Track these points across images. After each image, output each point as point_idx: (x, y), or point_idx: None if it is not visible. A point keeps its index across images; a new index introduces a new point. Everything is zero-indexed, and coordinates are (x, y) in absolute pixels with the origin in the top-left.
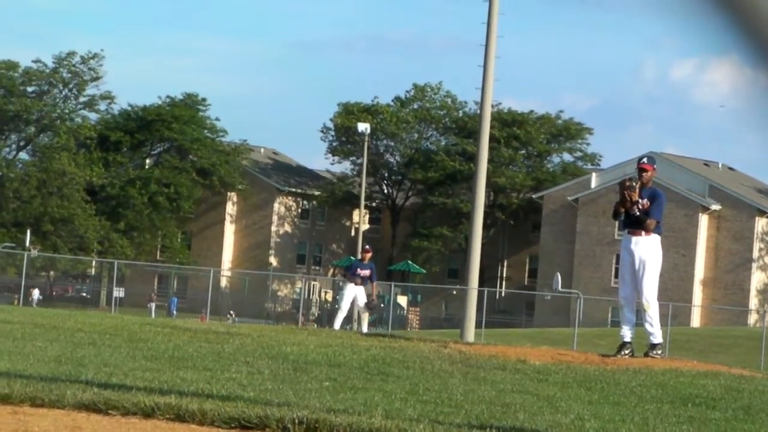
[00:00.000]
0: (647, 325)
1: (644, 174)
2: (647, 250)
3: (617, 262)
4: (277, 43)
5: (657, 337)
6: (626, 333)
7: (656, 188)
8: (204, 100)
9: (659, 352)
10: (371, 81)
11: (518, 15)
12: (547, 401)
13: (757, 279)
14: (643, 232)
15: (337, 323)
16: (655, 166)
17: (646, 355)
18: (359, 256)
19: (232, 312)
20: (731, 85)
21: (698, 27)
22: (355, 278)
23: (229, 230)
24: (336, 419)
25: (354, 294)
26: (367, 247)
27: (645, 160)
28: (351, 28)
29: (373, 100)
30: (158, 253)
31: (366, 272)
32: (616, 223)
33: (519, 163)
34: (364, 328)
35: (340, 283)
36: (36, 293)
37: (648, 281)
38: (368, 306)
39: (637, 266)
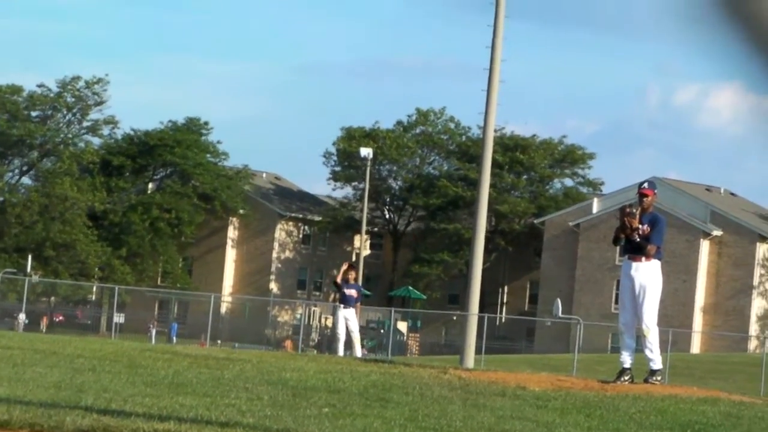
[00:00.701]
0: (647, 351)
1: (645, 199)
2: (647, 275)
3: (618, 288)
4: (280, 67)
5: (657, 363)
6: (626, 359)
7: (657, 213)
8: (206, 123)
9: (659, 378)
10: (374, 106)
11: (522, 40)
12: (546, 428)
13: (757, 305)
14: (643, 258)
15: (340, 350)
16: (656, 191)
17: (645, 381)
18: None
19: (219, 341)
20: (734, 110)
21: (704, 52)
22: (344, 300)
23: (230, 255)
24: None
25: (344, 318)
26: (351, 264)
27: (645, 185)
28: (355, 53)
29: (374, 125)
30: (159, 278)
31: (352, 291)
32: (617, 248)
33: (522, 189)
34: (358, 353)
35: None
36: (22, 317)
37: (648, 307)
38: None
39: (637, 292)
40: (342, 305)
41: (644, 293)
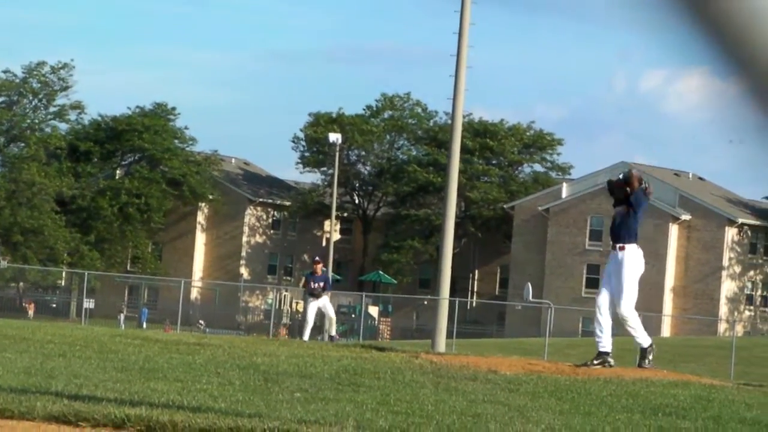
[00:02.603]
0: (631, 331)
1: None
2: (627, 261)
3: (588, 272)
4: (247, 53)
5: (644, 340)
6: (604, 342)
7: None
8: (174, 109)
9: (650, 358)
10: (342, 91)
11: (489, 25)
12: (518, 411)
13: (726, 288)
14: (620, 245)
15: (306, 335)
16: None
17: (639, 366)
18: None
19: (201, 322)
20: (700, 96)
21: (668, 38)
22: (313, 293)
23: (200, 240)
24: (307, 430)
25: (316, 306)
26: (317, 258)
27: (621, 176)
28: (323, 39)
29: (339, 110)
30: (129, 263)
31: (320, 284)
32: (587, 232)
33: (492, 175)
34: (333, 331)
35: (305, 295)
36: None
37: (626, 292)
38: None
39: (616, 276)
40: (312, 297)
41: (622, 278)
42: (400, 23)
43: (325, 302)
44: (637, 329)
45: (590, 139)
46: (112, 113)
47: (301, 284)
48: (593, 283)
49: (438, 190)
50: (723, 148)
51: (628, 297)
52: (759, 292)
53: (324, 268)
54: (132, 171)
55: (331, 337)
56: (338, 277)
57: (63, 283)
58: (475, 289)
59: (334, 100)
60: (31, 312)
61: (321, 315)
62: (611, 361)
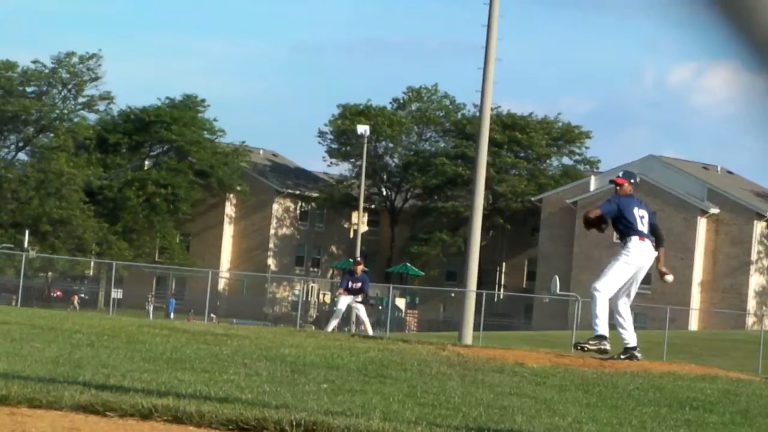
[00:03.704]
0: (593, 310)
1: (618, 188)
2: (624, 249)
3: None
4: (275, 45)
5: (601, 329)
6: (628, 337)
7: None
8: (203, 101)
9: (592, 348)
10: (370, 84)
11: (517, 17)
12: (544, 404)
13: (755, 282)
14: (623, 239)
15: (330, 326)
16: (632, 181)
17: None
18: (354, 267)
19: (213, 315)
20: (729, 89)
21: (697, 31)
22: (350, 292)
23: (228, 232)
24: (334, 422)
25: (348, 300)
26: (359, 258)
27: (621, 174)
28: (349, 31)
29: (367, 102)
30: (157, 254)
31: (357, 285)
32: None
33: (520, 168)
34: (370, 331)
35: (337, 286)
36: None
37: (607, 270)
38: (364, 302)
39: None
40: (347, 294)
41: (611, 260)
42: (427, 15)
43: (359, 304)
44: (600, 315)
45: (618, 132)
46: (141, 104)
47: (336, 287)
48: None
49: (466, 182)
50: (752, 142)
51: (604, 277)
52: None
53: (366, 269)
54: (160, 162)
55: (362, 331)
56: (365, 269)
57: (91, 273)
58: (503, 282)
59: (360, 93)
60: (75, 303)
61: (348, 310)
62: (638, 355)
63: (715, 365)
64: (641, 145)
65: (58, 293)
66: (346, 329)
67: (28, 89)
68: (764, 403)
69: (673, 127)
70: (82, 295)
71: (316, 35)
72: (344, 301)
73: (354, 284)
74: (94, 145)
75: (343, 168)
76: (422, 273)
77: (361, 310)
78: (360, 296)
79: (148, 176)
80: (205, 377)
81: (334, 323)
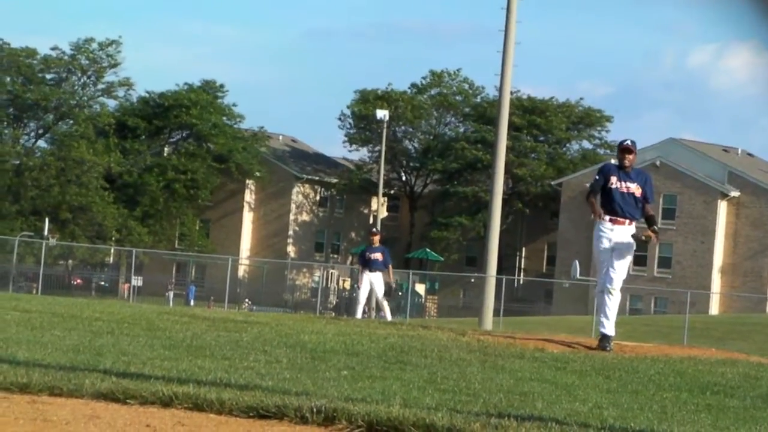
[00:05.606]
0: (603, 315)
1: (628, 156)
2: (628, 237)
3: (636, 249)
4: (294, 30)
5: (608, 329)
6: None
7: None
8: (222, 86)
9: (607, 344)
10: (388, 68)
11: (536, 1)
12: (565, 389)
13: None
14: (626, 222)
15: (358, 312)
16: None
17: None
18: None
19: (248, 301)
20: (750, 70)
21: (719, 11)
22: (369, 265)
23: (248, 218)
24: (354, 408)
25: (369, 281)
26: (374, 229)
27: (629, 141)
28: (366, 16)
29: (387, 87)
30: (176, 241)
31: (377, 255)
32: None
33: (540, 152)
34: (389, 317)
35: (357, 272)
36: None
37: (623, 269)
38: (387, 294)
39: (613, 253)
40: (367, 269)
41: (622, 256)
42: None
43: (379, 278)
44: (614, 316)
45: (636, 115)
46: (157, 88)
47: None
48: (641, 261)
49: (486, 167)
50: None
51: (621, 275)
52: None
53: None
54: (179, 148)
55: (381, 317)
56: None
57: (111, 260)
58: (523, 267)
59: (377, 79)
60: (123, 291)
61: (369, 294)
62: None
63: (735, 349)
64: (661, 129)
65: (79, 281)
66: (366, 316)
67: (48, 76)
68: None
69: (693, 110)
70: (102, 283)
71: (332, 21)
72: (365, 281)
73: (373, 254)
74: (114, 130)
75: (362, 153)
76: (442, 258)
77: (379, 290)
78: (378, 269)
79: (167, 162)
80: (226, 364)
81: (359, 310)
